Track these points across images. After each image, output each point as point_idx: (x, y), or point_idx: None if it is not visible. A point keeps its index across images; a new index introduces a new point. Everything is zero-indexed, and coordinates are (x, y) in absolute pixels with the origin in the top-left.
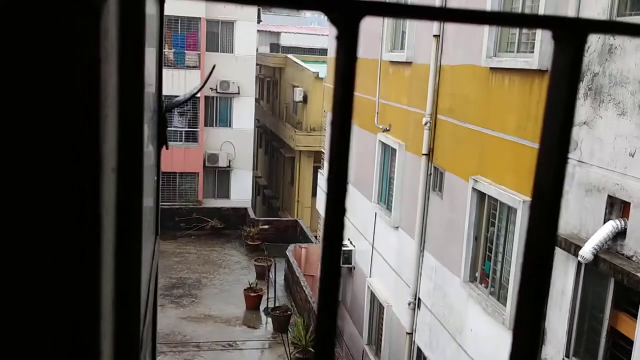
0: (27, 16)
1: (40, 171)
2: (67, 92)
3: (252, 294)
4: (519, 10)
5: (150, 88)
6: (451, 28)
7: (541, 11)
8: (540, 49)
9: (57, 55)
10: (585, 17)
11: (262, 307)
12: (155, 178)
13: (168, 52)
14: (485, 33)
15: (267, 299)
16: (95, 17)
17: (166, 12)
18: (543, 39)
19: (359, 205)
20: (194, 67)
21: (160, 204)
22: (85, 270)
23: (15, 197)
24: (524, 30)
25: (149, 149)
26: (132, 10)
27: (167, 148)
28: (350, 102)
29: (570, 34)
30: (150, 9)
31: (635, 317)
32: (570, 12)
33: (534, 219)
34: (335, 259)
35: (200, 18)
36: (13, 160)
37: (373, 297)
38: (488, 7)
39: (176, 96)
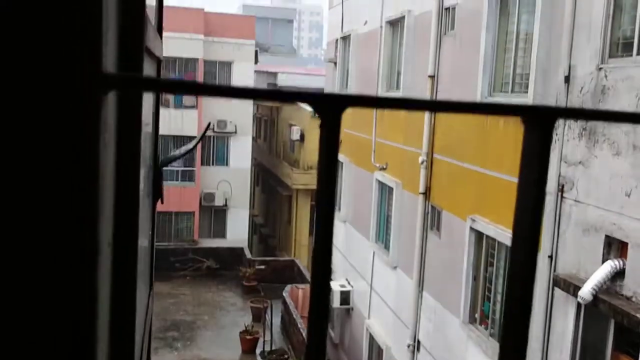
0: (30, 112)
1: (37, 253)
2: (66, 181)
3: (248, 337)
4: (513, 52)
5: (146, 145)
6: (446, 68)
7: (533, 54)
8: (535, 89)
9: (56, 147)
10: (553, 106)
11: (258, 351)
12: (150, 232)
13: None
14: (480, 73)
15: (264, 341)
16: (95, 112)
17: (164, 52)
18: (537, 78)
19: (357, 245)
20: (192, 107)
21: (156, 244)
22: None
23: (17, 272)
24: (518, 70)
25: (144, 204)
26: (130, 104)
27: (162, 202)
28: (334, 185)
29: (539, 120)
30: (148, 69)
31: (636, 358)
32: (563, 55)
33: (509, 300)
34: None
35: (198, 59)
36: (10, 240)
37: (372, 339)
38: (482, 53)
39: (174, 136)
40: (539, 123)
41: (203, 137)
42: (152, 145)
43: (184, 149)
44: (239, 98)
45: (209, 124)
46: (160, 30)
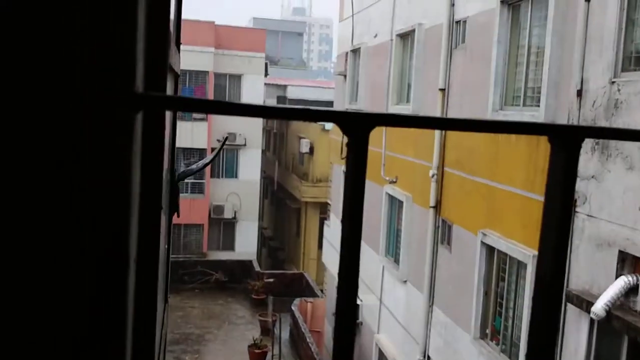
0: (68, 133)
1: (70, 269)
2: (99, 199)
3: (257, 351)
4: (524, 66)
5: (165, 160)
6: (457, 81)
7: (545, 68)
8: (546, 102)
9: (91, 166)
10: (581, 125)
11: None
12: (166, 247)
13: None
14: (491, 86)
15: (272, 355)
16: (129, 131)
17: None
18: (549, 92)
19: (367, 259)
20: (201, 120)
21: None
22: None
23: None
24: (530, 84)
25: (162, 219)
26: (155, 121)
27: (178, 216)
28: (361, 205)
29: (566, 139)
30: (169, 85)
31: None
32: (575, 69)
33: (536, 313)
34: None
35: (208, 72)
36: (41, 248)
37: (381, 354)
38: (493, 66)
39: (184, 149)
40: (566, 142)
41: (220, 150)
42: (169, 160)
43: (201, 162)
44: (266, 117)
45: (226, 138)
46: (178, 45)
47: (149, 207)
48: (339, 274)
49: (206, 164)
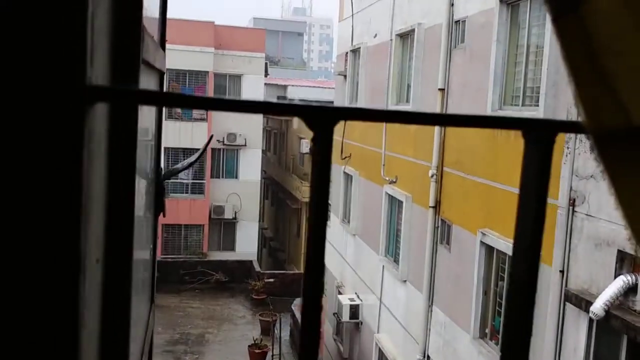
0: (10, 124)
1: (14, 269)
2: (47, 191)
3: (257, 351)
4: (523, 65)
5: (148, 157)
6: (456, 81)
7: (544, 67)
8: (545, 102)
9: (36, 157)
10: (555, 119)
11: None
12: (152, 246)
13: None
14: (490, 86)
15: (272, 355)
16: (78, 121)
17: (175, 65)
18: (548, 92)
19: (366, 258)
20: (201, 120)
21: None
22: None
23: None
24: (529, 84)
25: (144, 218)
26: (124, 116)
27: (164, 216)
28: (326, 199)
29: (540, 134)
30: (148, 82)
31: None
32: None
33: (509, 310)
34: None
35: (208, 72)
36: None
37: (381, 353)
38: (492, 66)
39: (184, 149)
40: (540, 137)
41: (205, 150)
42: (154, 159)
43: (186, 162)
44: (226, 110)
45: (211, 137)
46: (163, 43)
47: (118, 205)
48: (306, 265)
49: (191, 164)
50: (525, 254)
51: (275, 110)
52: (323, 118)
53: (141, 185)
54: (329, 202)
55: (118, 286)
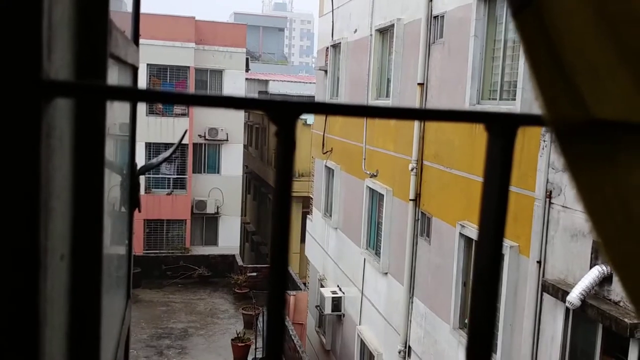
0: None
1: None
2: (2, 186)
3: (240, 344)
4: (501, 60)
5: (122, 153)
6: (435, 76)
7: (521, 62)
8: (522, 96)
9: None
10: (516, 113)
11: (250, 358)
12: (127, 242)
13: None
14: (468, 80)
15: (255, 348)
16: (34, 116)
17: (155, 60)
18: (524, 86)
19: (348, 251)
20: (182, 115)
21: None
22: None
23: None
24: (506, 78)
25: (117, 213)
26: (90, 110)
27: (139, 211)
28: (289, 189)
29: (502, 128)
30: (119, 77)
31: None
32: None
33: (474, 299)
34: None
35: (189, 67)
36: None
37: (363, 345)
38: (470, 61)
39: (165, 144)
40: (502, 130)
41: (179, 145)
42: (128, 153)
43: (161, 157)
44: (192, 105)
45: (185, 132)
46: (136, 37)
47: (86, 201)
48: (270, 259)
49: (166, 158)
50: (489, 244)
51: (238, 104)
52: (285, 111)
53: (113, 181)
54: (311, 195)
55: (87, 282)
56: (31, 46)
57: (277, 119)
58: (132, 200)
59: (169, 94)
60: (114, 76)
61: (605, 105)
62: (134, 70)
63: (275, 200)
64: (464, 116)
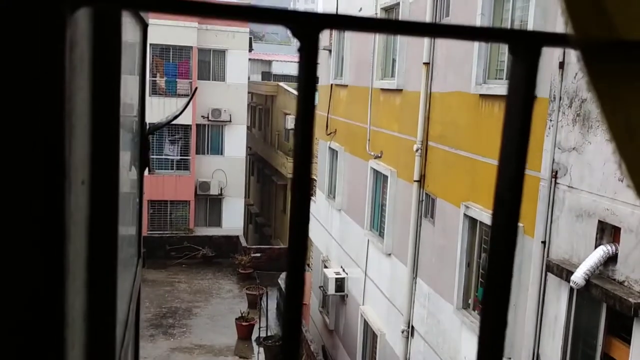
0: None
1: None
2: (28, 102)
3: (244, 323)
4: (509, 19)
5: (132, 111)
6: (441, 55)
7: (530, 20)
8: None
9: (17, 66)
10: (541, 31)
11: (254, 337)
12: (138, 201)
13: (160, 81)
14: (475, 60)
15: (259, 328)
16: (60, 29)
17: (158, 40)
18: None
19: (352, 232)
20: (186, 95)
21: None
22: (48, 289)
23: None
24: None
25: (131, 171)
26: (107, 23)
27: (149, 172)
28: (312, 109)
29: (526, 47)
30: (132, 34)
31: (629, 343)
32: (559, 21)
33: (495, 226)
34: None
35: (191, 47)
36: None
37: (366, 325)
38: (476, 42)
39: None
40: (525, 49)
41: (189, 103)
42: (139, 113)
43: (170, 115)
44: (207, 16)
45: (195, 89)
46: None
47: (104, 123)
48: (291, 215)
49: (176, 116)
50: (511, 170)
51: (257, 17)
52: (308, 25)
53: (128, 137)
54: (314, 177)
55: (105, 209)
56: None
57: (299, 33)
58: (143, 160)
59: (194, 3)
60: (129, 30)
61: (632, 26)
62: (145, 26)
63: (297, 117)
64: (488, 34)
